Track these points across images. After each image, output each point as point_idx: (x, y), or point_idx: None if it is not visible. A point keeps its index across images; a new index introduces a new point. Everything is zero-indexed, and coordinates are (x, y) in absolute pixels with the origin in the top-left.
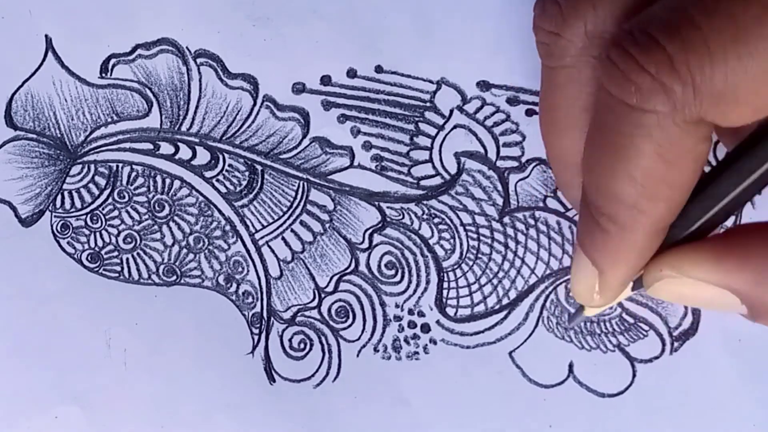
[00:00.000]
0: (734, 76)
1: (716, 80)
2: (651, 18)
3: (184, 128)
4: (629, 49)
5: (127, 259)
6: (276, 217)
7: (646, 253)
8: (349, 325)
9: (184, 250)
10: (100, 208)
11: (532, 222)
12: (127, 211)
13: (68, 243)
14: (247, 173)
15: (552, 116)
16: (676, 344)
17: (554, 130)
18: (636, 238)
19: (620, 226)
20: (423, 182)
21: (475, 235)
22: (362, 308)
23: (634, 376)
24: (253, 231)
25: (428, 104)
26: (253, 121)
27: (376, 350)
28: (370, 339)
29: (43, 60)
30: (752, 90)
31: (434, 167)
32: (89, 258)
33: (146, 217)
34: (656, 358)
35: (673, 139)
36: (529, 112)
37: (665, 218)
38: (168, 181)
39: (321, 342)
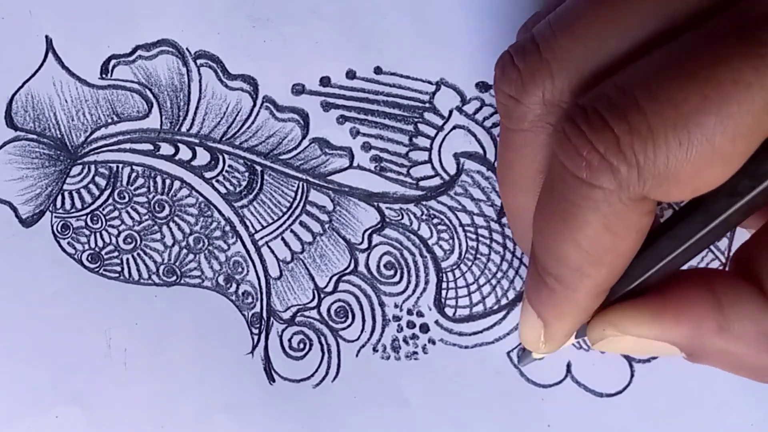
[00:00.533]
0: (675, 160)
1: (659, 163)
2: (601, 97)
3: (184, 129)
4: (581, 125)
5: (127, 259)
6: (276, 218)
7: (590, 309)
8: (349, 325)
9: (184, 251)
10: (101, 209)
11: None
12: (128, 212)
13: (68, 243)
14: (246, 174)
15: (508, 174)
16: None
17: (510, 187)
18: (579, 297)
19: (565, 286)
20: (422, 183)
21: (473, 236)
22: (361, 308)
23: (632, 375)
24: (253, 231)
25: (427, 105)
26: (252, 122)
27: (375, 350)
28: (369, 339)
29: (44, 61)
30: (692, 173)
31: (433, 168)
32: (89, 258)
33: (146, 217)
34: (654, 357)
35: (618, 213)
36: None
37: (608, 281)
38: (168, 181)
39: (320, 342)
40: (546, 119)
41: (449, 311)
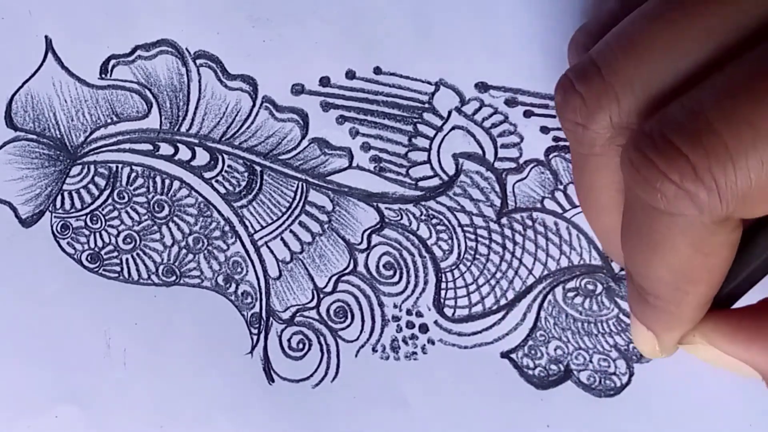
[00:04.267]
0: (758, 179)
1: (740, 184)
2: (670, 122)
3: (183, 129)
4: (650, 155)
5: (127, 259)
6: (275, 218)
7: (697, 318)
8: (348, 326)
9: (184, 251)
10: (100, 209)
11: (529, 223)
12: (127, 212)
13: (68, 243)
14: (246, 174)
15: (589, 198)
16: None
17: (593, 210)
18: (683, 311)
19: (666, 302)
20: (421, 183)
21: (472, 236)
22: (360, 308)
23: (631, 376)
24: (252, 232)
25: (427, 105)
26: (252, 122)
27: (374, 350)
28: (368, 339)
29: (43, 61)
30: None
31: (432, 168)
32: (89, 258)
33: (146, 217)
34: None
35: (705, 235)
36: (527, 114)
37: (709, 294)
38: (167, 181)
39: (320, 342)
40: (617, 141)
41: (448, 311)
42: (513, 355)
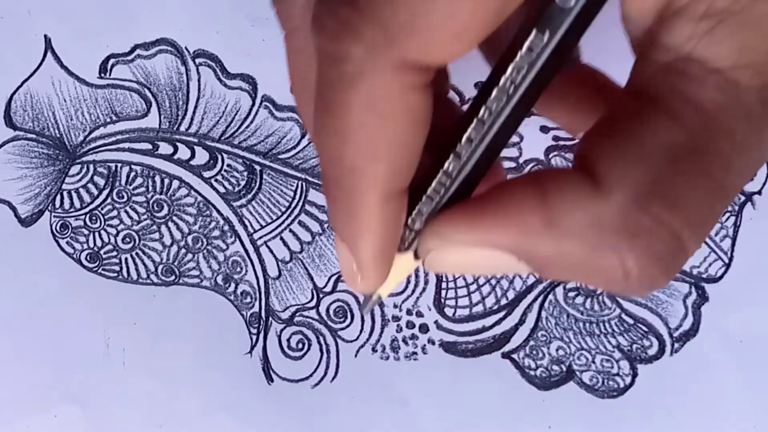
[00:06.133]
0: (416, 4)
1: (400, 12)
2: None
3: (182, 128)
4: (325, 2)
5: (126, 259)
6: (274, 218)
7: (389, 219)
8: (348, 325)
9: (183, 250)
10: (99, 208)
11: None
12: (126, 211)
13: (67, 243)
14: (245, 173)
15: (294, 80)
16: (676, 345)
17: (297, 93)
18: (365, 202)
19: (345, 190)
20: None
21: None
22: (360, 309)
23: (634, 377)
24: (252, 231)
25: None
26: (251, 121)
27: (374, 350)
28: (368, 339)
29: (43, 60)
30: (441, 16)
31: None
32: (88, 258)
33: (145, 217)
34: (656, 359)
35: (377, 86)
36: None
37: (392, 180)
38: (167, 181)
39: (319, 342)
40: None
41: (449, 311)
42: (514, 356)
